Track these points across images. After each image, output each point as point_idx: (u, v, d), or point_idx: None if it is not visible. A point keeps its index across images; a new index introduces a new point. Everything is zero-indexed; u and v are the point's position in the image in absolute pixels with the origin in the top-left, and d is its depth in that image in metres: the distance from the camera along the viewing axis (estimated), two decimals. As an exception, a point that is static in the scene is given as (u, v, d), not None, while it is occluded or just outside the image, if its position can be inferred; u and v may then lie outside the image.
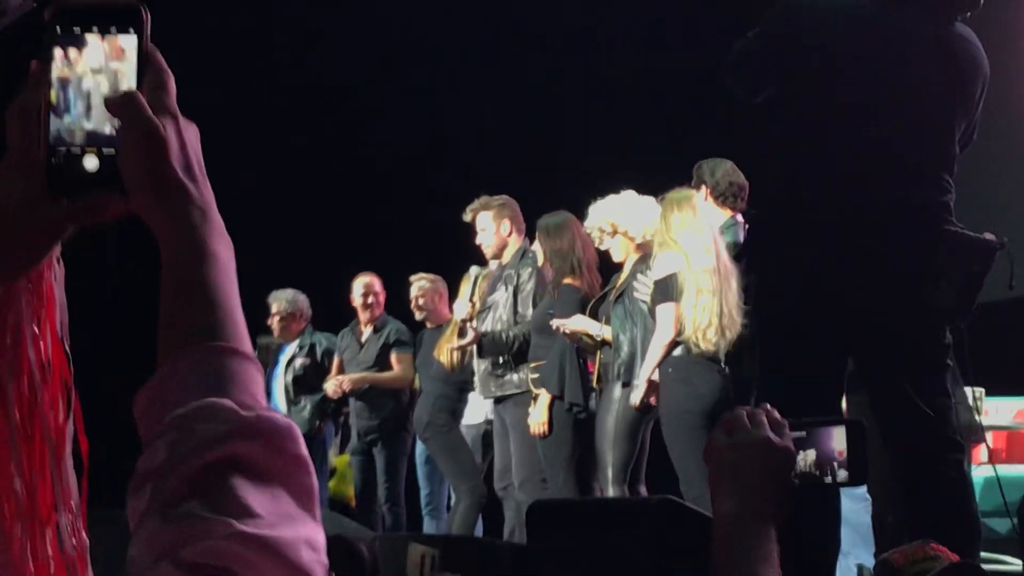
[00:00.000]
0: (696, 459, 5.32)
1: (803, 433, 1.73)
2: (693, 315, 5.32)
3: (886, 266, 3.57)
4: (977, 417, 5.66)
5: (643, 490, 5.87)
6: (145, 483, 0.89)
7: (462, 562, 4.65)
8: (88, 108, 1.05)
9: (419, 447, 7.59)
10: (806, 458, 1.72)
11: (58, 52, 1.05)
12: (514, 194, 6.80)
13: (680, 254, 5.38)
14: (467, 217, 6.73)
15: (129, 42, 1.05)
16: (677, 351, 5.43)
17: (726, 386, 5.39)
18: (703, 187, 5.91)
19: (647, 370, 5.49)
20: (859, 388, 3.88)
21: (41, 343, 1.14)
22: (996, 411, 7.10)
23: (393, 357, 7.74)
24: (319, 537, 0.90)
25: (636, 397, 5.55)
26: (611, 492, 5.64)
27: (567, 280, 6.16)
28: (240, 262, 1.05)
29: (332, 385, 7.74)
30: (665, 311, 5.44)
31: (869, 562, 5.26)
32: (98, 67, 1.05)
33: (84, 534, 1.16)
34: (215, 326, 0.98)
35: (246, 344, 1.00)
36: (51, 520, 1.14)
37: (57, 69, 1.05)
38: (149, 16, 1.06)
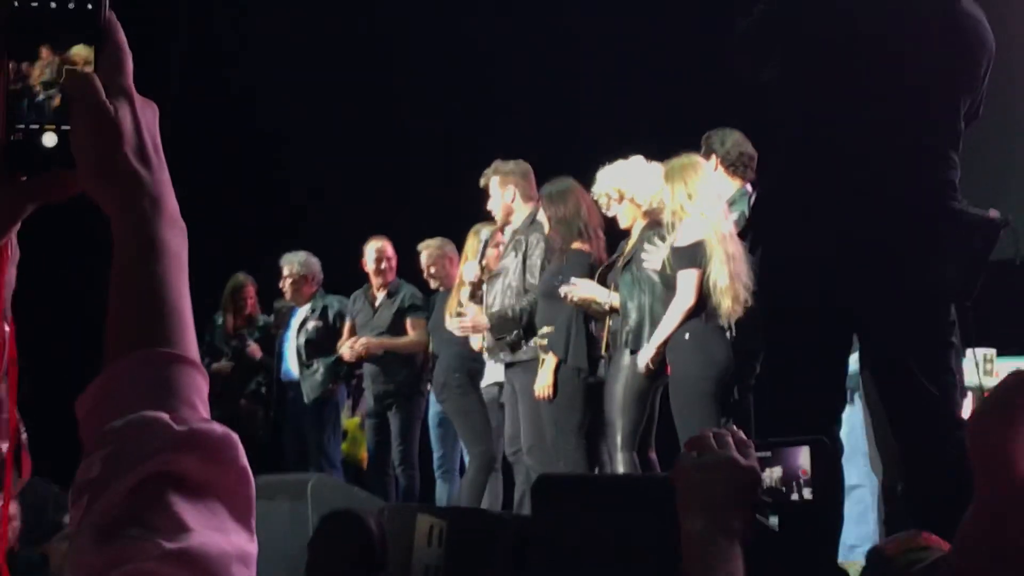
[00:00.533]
0: (706, 425, 5.35)
1: (768, 453, 1.75)
2: (718, 282, 5.31)
3: (891, 244, 3.56)
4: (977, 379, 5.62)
5: (653, 456, 5.89)
6: (82, 494, 0.90)
7: (469, 533, 4.69)
8: (47, 85, 1.04)
9: (432, 410, 7.61)
10: (771, 475, 1.75)
11: (15, 28, 1.04)
12: (528, 160, 6.79)
13: (707, 221, 5.37)
14: (481, 182, 6.74)
15: (87, 19, 1.05)
16: (695, 318, 5.42)
17: (733, 355, 5.39)
18: (713, 156, 5.88)
19: (663, 334, 5.47)
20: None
21: None
22: (1007, 372, 7.09)
23: (408, 322, 7.75)
24: (251, 550, 0.90)
25: (645, 358, 5.52)
26: (620, 458, 5.66)
27: (576, 245, 6.16)
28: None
29: (348, 348, 7.76)
30: (688, 277, 5.42)
31: (863, 535, 5.29)
32: (56, 46, 1.04)
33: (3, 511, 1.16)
34: (159, 329, 0.98)
35: (191, 348, 0.99)
36: None
37: (13, 45, 1.04)
38: None
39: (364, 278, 8.01)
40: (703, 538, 1.62)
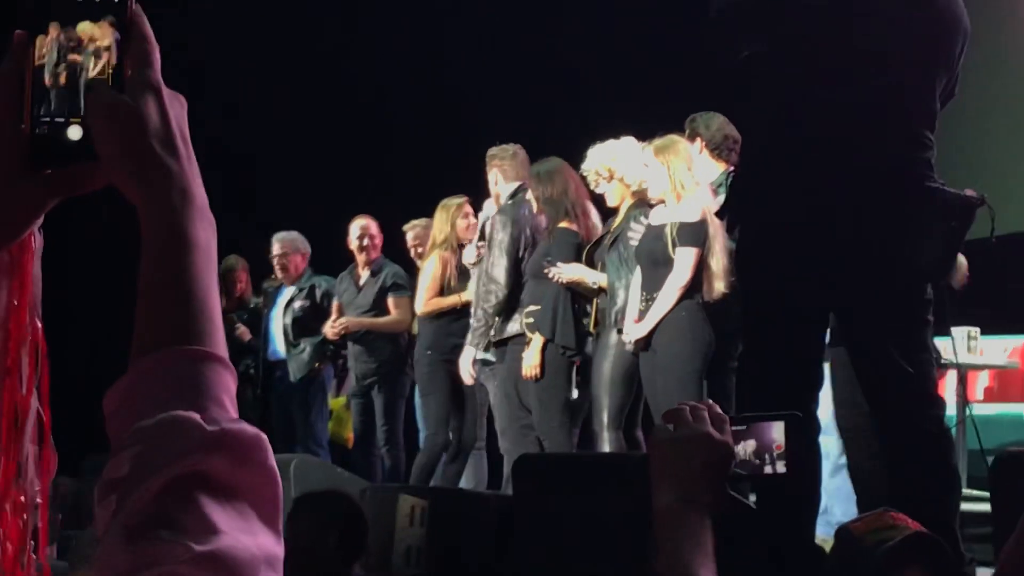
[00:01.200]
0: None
1: (744, 427, 1.76)
2: (715, 264, 5.32)
3: (868, 224, 3.57)
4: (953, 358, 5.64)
5: (639, 435, 5.90)
6: (110, 493, 0.89)
7: (450, 515, 4.72)
8: (72, 77, 1.03)
9: (417, 389, 7.62)
10: (745, 448, 1.77)
11: (44, 21, 1.04)
12: (517, 139, 6.79)
13: (706, 199, 5.38)
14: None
15: (115, 14, 1.04)
16: (689, 297, 5.42)
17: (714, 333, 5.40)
18: (698, 139, 5.87)
19: (660, 311, 5.43)
20: (841, 343, 3.88)
21: (15, 317, 1.14)
22: (989, 349, 7.11)
23: (390, 301, 7.74)
24: (278, 552, 0.90)
25: (639, 334, 5.50)
26: (606, 437, 5.68)
27: (563, 224, 6.15)
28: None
29: (329, 327, 7.77)
30: (687, 255, 5.38)
31: (852, 513, 5.29)
32: (83, 37, 1.03)
33: (41, 511, 1.16)
34: (189, 326, 0.97)
35: (220, 345, 0.99)
36: (7, 495, 1.14)
37: (42, 39, 1.03)
38: None
39: (353, 258, 8.00)
40: (673, 511, 1.63)
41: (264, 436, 0.94)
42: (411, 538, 4.74)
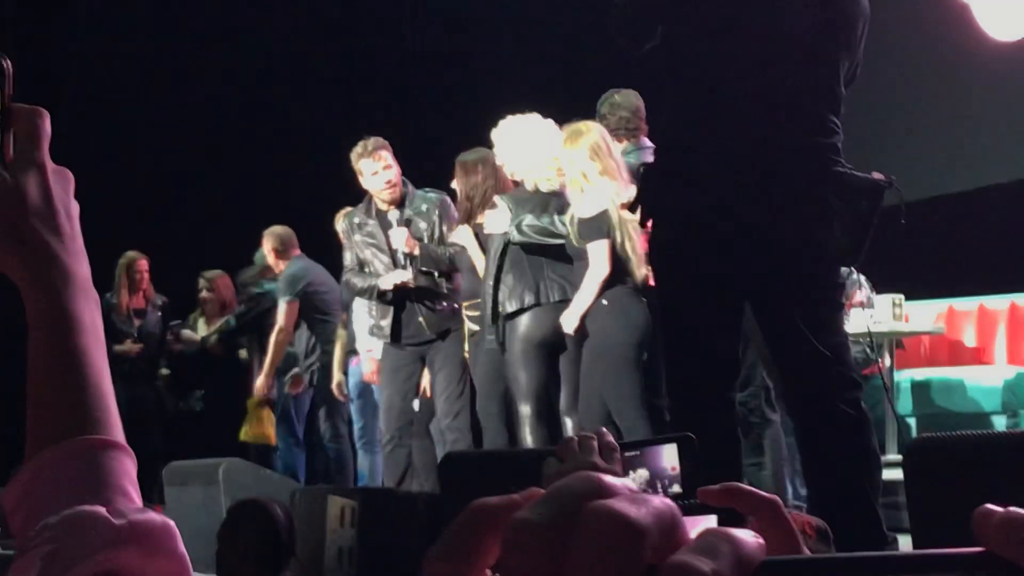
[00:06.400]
0: (628, 390, 5.38)
1: (637, 452, 1.75)
2: (629, 249, 5.32)
3: (777, 209, 3.58)
4: (871, 354, 5.72)
5: (568, 423, 5.90)
6: None
7: (379, 514, 4.71)
8: None
9: (351, 380, 7.58)
10: (637, 478, 1.75)
11: None
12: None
13: (607, 190, 5.35)
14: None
15: None
16: (614, 283, 5.42)
17: (652, 316, 5.41)
18: (607, 119, 5.87)
19: (583, 305, 5.43)
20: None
21: None
22: (917, 315, 7.18)
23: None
24: None
25: (570, 327, 5.50)
26: (524, 412, 5.66)
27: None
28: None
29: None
30: (599, 248, 5.39)
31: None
32: None
33: None
34: (85, 415, 0.97)
35: (116, 429, 0.98)
36: None
37: None
38: (10, 65, 1.02)
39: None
40: None
41: (172, 523, 0.93)
42: (342, 539, 4.72)
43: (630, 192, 5.31)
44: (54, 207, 1.01)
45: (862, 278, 6.95)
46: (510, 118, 5.87)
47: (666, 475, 1.76)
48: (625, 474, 1.72)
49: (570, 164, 5.43)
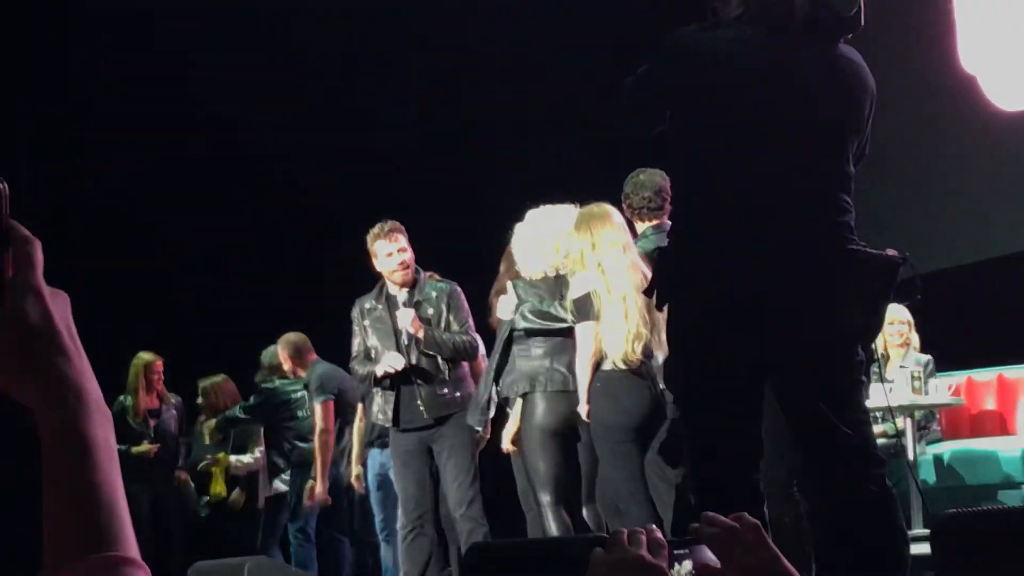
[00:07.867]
0: (622, 473, 5.39)
1: (685, 549, 1.77)
2: (612, 335, 5.35)
3: (792, 291, 3.58)
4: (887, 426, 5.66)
5: (585, 514, 5.90)
6: None
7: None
8: None
9: (370, 473, 7.54)
10: (680, 571, 1.76)
11: None
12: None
13: (597, 274, 5.40)
14: None
15: None
16: (606, 366, 5.44)
17: (656, 401, 5.40)
18: (628, 202, 5.93)
19: (582, 387, 5.52)
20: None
21: None
22: (934, 390, 7.16)
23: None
24: None
25: (582, 412, 5.54)
26: (544, 502, 5.65)
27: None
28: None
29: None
30: (584, 329, 5.49)
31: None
32: None
33: None
34: (102, 531, 0.98)
35: (131, 546, 0.99)
36: None
37: None
38: (7, 188, 1.03)
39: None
40: None
41: None
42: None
43: (635, 276, 5.33)
44: (56, 328, 1.02)
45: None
46: (531, 212, 5.99)
47: (709, 568, 1.77)
48: (670, 567, 1.73)
49: (573, 247, 5.54)
